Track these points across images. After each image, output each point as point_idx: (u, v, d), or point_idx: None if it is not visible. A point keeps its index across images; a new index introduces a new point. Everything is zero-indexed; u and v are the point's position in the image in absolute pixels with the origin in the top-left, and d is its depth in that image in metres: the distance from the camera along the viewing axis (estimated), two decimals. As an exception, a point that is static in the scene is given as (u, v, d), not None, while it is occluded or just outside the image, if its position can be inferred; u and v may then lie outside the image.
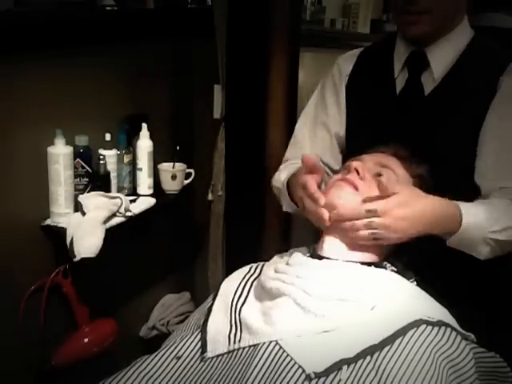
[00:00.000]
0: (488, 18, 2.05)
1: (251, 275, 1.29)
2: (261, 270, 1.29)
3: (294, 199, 1.34)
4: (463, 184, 1.31)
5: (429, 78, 1.37)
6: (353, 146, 1.45)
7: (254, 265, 1.33)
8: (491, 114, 1.30)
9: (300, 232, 2.05)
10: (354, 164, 1.25)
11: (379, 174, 1.25)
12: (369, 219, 1.13)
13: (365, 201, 1.16)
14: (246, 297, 1.22)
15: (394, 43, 1.43)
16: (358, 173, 1.23)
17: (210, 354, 1.11)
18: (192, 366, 1.11)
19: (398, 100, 1.40)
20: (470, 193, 1.29)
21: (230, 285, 1.26)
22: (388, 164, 1.26)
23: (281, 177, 1.48)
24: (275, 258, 1.32)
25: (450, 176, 1.30)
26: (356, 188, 1.21)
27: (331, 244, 1.22)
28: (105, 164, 1.76)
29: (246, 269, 1.32)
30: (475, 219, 1.20)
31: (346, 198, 1.20)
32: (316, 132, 1.53)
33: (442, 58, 1.36)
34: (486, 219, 1.21)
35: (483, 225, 1.21)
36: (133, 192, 1.92)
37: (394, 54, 1.43)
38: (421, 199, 1.17)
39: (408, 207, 1.14)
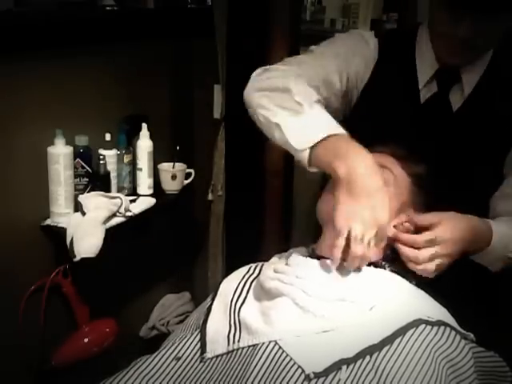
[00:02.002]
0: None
1: (250, 275, 1.29)
2: (260, 270, 1.29)
3: (323, 166, 1.16)
4: (486, 200, 1.31)
5: (457, 92, 1.33)
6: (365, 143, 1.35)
7: (253, 265, 1.33)
8: None
9: (300, 232, 2.05)
10: None
11: None
12: (432, 252, 1.13)
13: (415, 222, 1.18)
14: (245, 297, 1.21)
15: (414, 43, 1.37)
16: None
17: (209, 354, 1.11)
18: (192, 366, 1.11)
19: (422, 110, 1.36)
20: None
21: (229, 285, 1.26)
22: (386, 164, 1.26)
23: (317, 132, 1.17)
24: (274, 258, 1.32)
25: (473, 191, 1.31)
26: None
27: (330, 244, 1.22)
28: (105, 164, 1.76)
29: (245, 269, 1.32)
30: (504, 239, 1.22)
31: None
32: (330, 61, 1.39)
33: (473, 73, 1.33)
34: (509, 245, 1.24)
35: (509, 244, 1.23)
36: (133, 192, 1.92)
37: (416, 58, 1.37)
38: (463, 220, 1.19)
39: (459, 230, 1.16)
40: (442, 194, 1.24)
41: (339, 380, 0.97)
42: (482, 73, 1.33)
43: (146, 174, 1.92)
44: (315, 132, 1.15)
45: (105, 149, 1.79)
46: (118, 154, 1.83)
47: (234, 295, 1.22)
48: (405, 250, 1.16)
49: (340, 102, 1.40)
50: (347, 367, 0.99)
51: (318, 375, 0.98)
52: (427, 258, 1.13)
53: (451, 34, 1.23)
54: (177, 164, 2.01)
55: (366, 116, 1.41)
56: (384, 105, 1.39)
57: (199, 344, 1.13)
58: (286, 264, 1.23)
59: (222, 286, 1.27)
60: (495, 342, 1.16)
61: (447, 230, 1.15)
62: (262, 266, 1.31)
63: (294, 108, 1.19)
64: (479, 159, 1.32)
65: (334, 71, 1.36)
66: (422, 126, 1.35)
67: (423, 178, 1.28)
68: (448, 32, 1.24)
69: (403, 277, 1.19)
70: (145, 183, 1.93)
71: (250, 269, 1.31)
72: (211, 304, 1.23)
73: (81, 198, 1.69)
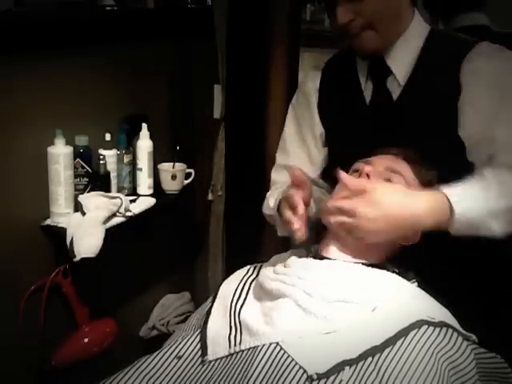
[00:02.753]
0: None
1: (249, 276, 1.28)
2: (259, 271, 1.29)
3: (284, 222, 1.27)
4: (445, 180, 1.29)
5: (394, 82, 1.35)
6: (333, 160, 1.44)
7: (252, 266, 1.32)
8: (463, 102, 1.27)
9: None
10: (366, 169, 1.24)
11: (389, 180, 1.24)
12: (341, 220, 1.11)
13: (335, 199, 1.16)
14: (245, 298, 1.21)
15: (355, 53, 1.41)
16: (368, 177, 1.23)
17: (210, 357, 1.10)
18: (192, 366, 1.11)
19: (369, 110, 1.38)
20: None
21: (229, 287, 1.26)
22: (398, 169, 1.25)
23: (270, 203, 1.44)
24: (274, 259, 1.32)
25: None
26: None
27: (335, 246, 1.22)
28: (105, 164, 1.76)
29: (244, 270, 1.32)
30: (470, 201, 1.14)
31: None
32: (296, 149, 1.54)
33: (401, 60, 1.34)
34: (483, 198, 1.14)
35: (481, 204, 1.14)
36: (133, 192, 1.91)
37: (357, 65, 1.41)
38: (396, 198, 1.12)
39: (379, 208, 1.09)
40: None
41: (341, 381, 0.97)
42: (414, 59, 1.33)
43: (146, 173, 1.92)
44: None
45: (105, 149, 1.79)
46: (118, 154, 1.83)
47: (233, 297, 1.22)
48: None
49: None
50: (349, 368, 0.99)
51: (320, 376, 0.98)
52: (335, 225, 1.13)
53: (339, 27, 1.29)
54: (177, 164, 2.01)
55: (330, 132, 1.47)
56: (339, 116, 1.44)
57: (200, 345, 1.13)
58: (287, 265, 1.23)
59: (221, 288, 1.27)
60: (497, 344, 1.16)
61: (366, 203, 1.10)
62: (260, 267, 1.31)
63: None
64: (431, 140, 1.30)
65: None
66: (373, 125, 1.37)
67: (434, 183, 1.24)
68: (338, 26, 1.29)
69: (405, 277, 1.19)
70: (145, 183, 1.92)
71: (248, 270, 1.31)
72: (211, 306, 1.23)
73: (81, 197, 1.69)
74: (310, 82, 1.51)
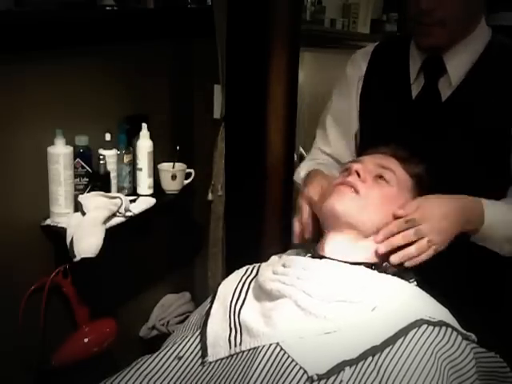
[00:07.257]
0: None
1: (248, 276, 1.28)
2: (257, 271, 1.28)
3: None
4: (483, 188, 1.29)
5: (445, 83, 1.34)
6: (366, 148, 1.42)
7: (250, 266, 1.32)
8: None
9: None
10: (355, 166, 1.25)
11: (380, 176, 1.24)
12: (415, 227, 1.15)
13: (396, 215, 1.20)
14: (245, 298, 1.20)
15: (409, 43, 1.40)
16: (358, 175, 1.23)
17: (210, 358, 1.10)
18: (193, 367, 1.10)
19: (414, 105, 1.37)
20: (489, 195, 1.28)
21: (228, 287, 1.25)
22: (388, 165, 1.26)
23: (301, 173, 1.50)
24: (273, 259, 1.32)
25: (468, 181, 1.30)
26: (357, 191, 1.21)
27: (332, 244, 1.22)
28: (105, 164, 1.76)
29: (242, 270, 1.31)
30: (498, 218, 1.23)
31: (347, 203, 1.20)
32: (333, 132, 1.55)
33: (459, 63, 1.33)
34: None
35: (507, 225, 1.24)
36: (133, 192, 1.92)
37: (409, 56, 1.40)
38: (446, 199, 1.21)
39: (439, 208, 1.18)
40: (441, 185, 1.25)
41: (341, 381, 0.97)
42: (472, 63, 1.33)
43: (146, 173, 1.92)
44: None
45: (105, 149, 1.79)
46: (118, 154, 1.83)
47: (232, 297, 1.21)
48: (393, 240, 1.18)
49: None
50: (350, 368, 0.99)
51: (320, 377, 0.98)
52: (412, 234, 1.15)
53: (417, 12, 1.28)
54: (177, 164, 2.01)
55: (366, 119, 1.46)
56: (380, 106, 1.43)
57: (200, 346, 1.13)
58: (286, 265, 1.23)
59: (219, 289, 1.26)
60: (496, 343, 1.16)
61: (426, 210, 1.17)
62: (259, 267, 1.30)
63: None
64: (475, 148, 1.31)
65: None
66: (416, 122, 1.36)
67: (425, 178, 1.28)
68: (414, 10, 1.29)
69: (404, 277, 1.19)
70: (145, 183, 1.93)
71: (247, 270, 1.30)
72: (210, 307, 1.22)
73: (81, 197, 1.69)
74: (356, 67, 1.49)
